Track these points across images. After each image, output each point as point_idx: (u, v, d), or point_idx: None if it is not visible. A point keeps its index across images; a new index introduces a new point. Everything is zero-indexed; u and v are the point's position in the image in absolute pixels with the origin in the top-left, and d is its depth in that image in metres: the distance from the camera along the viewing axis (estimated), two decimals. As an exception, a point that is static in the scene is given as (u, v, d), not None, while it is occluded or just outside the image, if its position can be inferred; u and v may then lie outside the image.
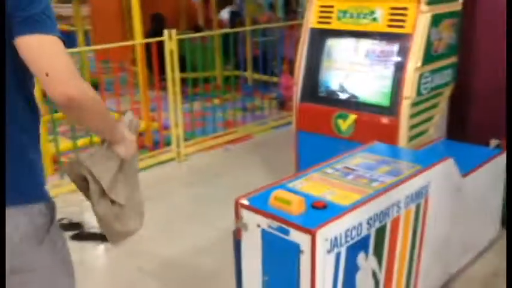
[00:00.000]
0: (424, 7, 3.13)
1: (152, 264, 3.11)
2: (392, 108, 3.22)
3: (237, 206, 2.09)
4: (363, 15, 3.36)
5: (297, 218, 1.93)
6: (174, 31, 4.42)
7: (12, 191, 1.41)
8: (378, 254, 2.18)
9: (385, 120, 3.24)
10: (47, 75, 1.32)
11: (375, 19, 3.31)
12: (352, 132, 3.36)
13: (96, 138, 4.35)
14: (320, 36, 3.56)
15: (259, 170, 4.31)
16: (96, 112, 1.47)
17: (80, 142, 4.29)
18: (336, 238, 1.93)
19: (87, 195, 1.65)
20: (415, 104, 3.21)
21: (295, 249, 1.91)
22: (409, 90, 3.14)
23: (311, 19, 3.60)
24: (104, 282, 3.03)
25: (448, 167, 2.50)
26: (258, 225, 2.03)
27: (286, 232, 1.93)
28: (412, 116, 3.22)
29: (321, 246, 1.87)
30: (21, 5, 1.31)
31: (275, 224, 1.97)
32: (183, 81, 5.11)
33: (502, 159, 3.00)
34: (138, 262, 3.11)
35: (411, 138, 3.27)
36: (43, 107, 4.20)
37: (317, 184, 2.23)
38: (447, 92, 3.52)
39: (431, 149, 3.13)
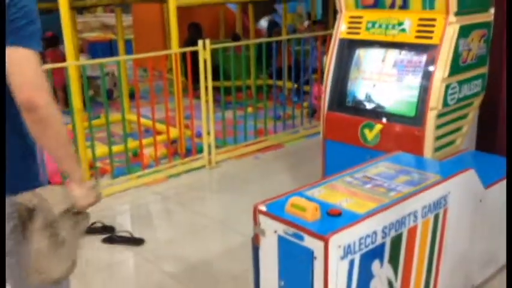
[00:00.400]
0: (452, 18, 3.13)
1: (179, 268, 3.20)
2: (418, 119, 3.22)
3: (255, 212, 2.16)
4: (391, 26, 3.38)
5: (312, 225, 1.98)
6: (208, 41, 4.54)
7: (14, 182, 1.62)
8: (394, 263, 2.20)
9: (410, 130, 3.24)
10: (19, 83, 1.49)
11: (403, 30, 3.33)
12: (378, 142, 3.37)
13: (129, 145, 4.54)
14: (349, 47, 3.60)
15: (287, 177, 4.37)
16: (57, 130, 1.58)
17: (116, 148, 4.46)
18: (349, 245, 1.97)
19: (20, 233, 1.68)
20: (441, 115, 3.20)
21: (309, 255, 1.96)
22: (435, 100, 3.15)
23: (340, 29, 3.65)
24: (131, 284, 3.14)
25: (469, 178, 2.50)
26: (275, 231, 2.09)
27: (301, 238, 1.99)
28: (439, 126, 3.21)
29: (334, 252, 1.92)
30: (10, 18, 1.48)
31: (291, 230, 2.02)
32: (217, 89, 5.23)
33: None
34: (165, 265, 3.21)
35: (437, 149, 3.26)
36: (82, 114, 4.40)
37: (335, 192, 2.28)
38: (476, 102, 3.50)
39: (455, 160, 3.11)
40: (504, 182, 2.79)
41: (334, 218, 2.03)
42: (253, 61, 7.24)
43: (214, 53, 4.77)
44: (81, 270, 3.08)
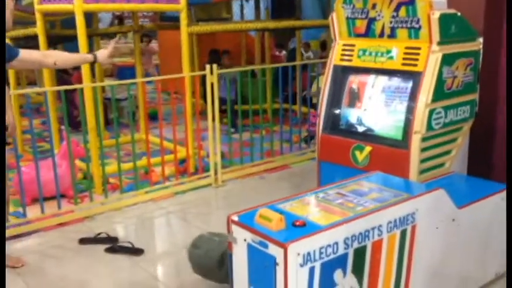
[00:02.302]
0: (435, 47, 3.30)
1: (173, 278, 3.40)
2: (404, 142, 3.38)
3: (229, 221, 2.36)
4: (380, 53, 3.57)
5: (276, 234, 2.17)
6: (215, 66, 4.81)
7: None
8: (358, 274, 2.35)
9: (397, 152, 3.40)
10: None
11: (391, 57, 3.51)
12: (368, 163, 3.53)
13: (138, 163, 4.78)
14: (342, 73, 3.81)
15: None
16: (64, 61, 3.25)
17: (125, 166, 4.74)
18: (309, 253, 2.14)
19: None
20: (426, 138, 3.35)
21: (272, 261, 2.14)
22: (419, 125, 3.30)
23: (334, 56, 3.86)
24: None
25: (437, 197, 2.63)
26: (245, 240, 2.28)
27: (266, 246, 2.17)
28: (424, 149, 3.36)
29: (293, 259, 2.09)
30: None
31: (257, 238, 2.21)
32: (235, 113, 5.48)
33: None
34: (160, 275, 3.42)
35: (423, 171, 3.40)
36: (103, 133, 4.69)
37: (305, 206, 2.46)
38: (466, 127, 3.62)
39: (434, 182, 3.24)
40: (481, 203, 2.93)
41: (297, 229, 2.21)
42: (270, 86, 7.49)
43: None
44: (81, 276, 3.33)
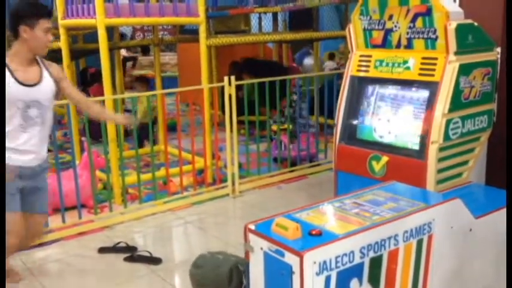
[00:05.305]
0: (452, 57, 3.31)
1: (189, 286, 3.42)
2: (421, 152, 3.39)
3: (246, 230, 2.39)
4: (397, 64, 3.60)
5: (292, 242, 2.19)
6: (233, 78, 4.86)
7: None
8: (374, 283, 2.35)
9: (414, 162, 3.41)
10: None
11: (407, 68, 3.53)
12: (385, 174, 3.55)
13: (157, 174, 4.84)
14: (359, 83, 3.83)
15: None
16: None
17: (144, 176, 4.80)
18: (325, 262, 2.15)
19: None
20: (443, 149, 3.35)
21: (289, 269, 2.16)
22: (436, 135, 3.31)
23: (351, 67, 3.88)
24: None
25: (454, 206, 2.62)
26: (261, 248, 2.31)
27: (282, 254, 2.19)
28: (441, 159, 3.36)
29: (309, 268, 2.11)
30: None
31: (274, 247, 2.23)
32: (253, 123, 5.56)
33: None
34: (178, 283, 3.45)
35: (441, 181, 3.40)
36: (122, 144, 4.76)
37: (321, 215, 2.48)
38: (484, 137, 3.62)
39: (451, 192, 3.22)
40: (497, 213, 2.90)
41: (313, 238, 2.22)
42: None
43: (250, 89, 5.14)
44: (101, 285, 3.39)
